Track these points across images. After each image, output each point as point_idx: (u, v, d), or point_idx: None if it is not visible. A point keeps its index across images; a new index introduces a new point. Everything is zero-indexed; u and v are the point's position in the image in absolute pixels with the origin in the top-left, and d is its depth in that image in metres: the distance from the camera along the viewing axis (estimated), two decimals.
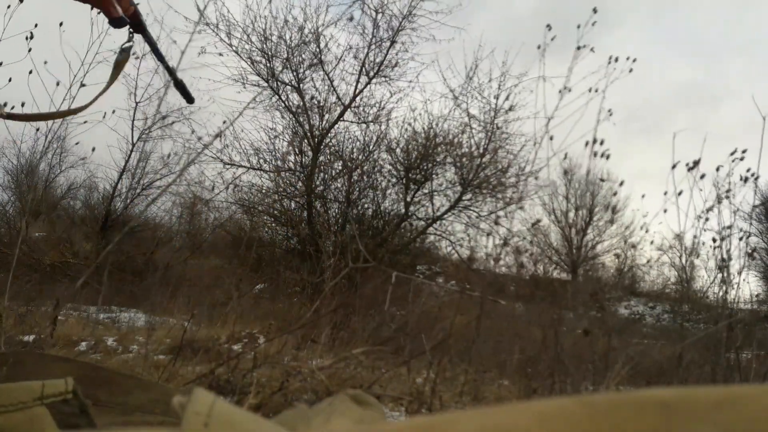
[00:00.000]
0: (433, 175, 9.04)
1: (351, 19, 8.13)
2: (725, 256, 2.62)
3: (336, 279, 3.86)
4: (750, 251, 2.77)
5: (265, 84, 8.66)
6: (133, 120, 8.75)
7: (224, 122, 8.77)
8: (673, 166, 2.44)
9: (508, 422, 0.20)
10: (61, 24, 2.88)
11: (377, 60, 8.49)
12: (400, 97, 8.82)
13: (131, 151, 9.09)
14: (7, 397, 0.46)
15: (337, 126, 8.87)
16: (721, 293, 2.63)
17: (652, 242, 4.35)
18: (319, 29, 8.36)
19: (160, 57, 1.22)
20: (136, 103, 8.58)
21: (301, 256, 8.38)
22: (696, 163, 2.50)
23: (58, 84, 2.47)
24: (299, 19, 8.41)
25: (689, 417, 0.19)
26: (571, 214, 15.02)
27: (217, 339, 3.90)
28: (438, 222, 9.09)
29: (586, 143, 2.38)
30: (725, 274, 2.62)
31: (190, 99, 1.29)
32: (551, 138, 2.52)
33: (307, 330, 3.73)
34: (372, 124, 8.94)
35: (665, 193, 2.47)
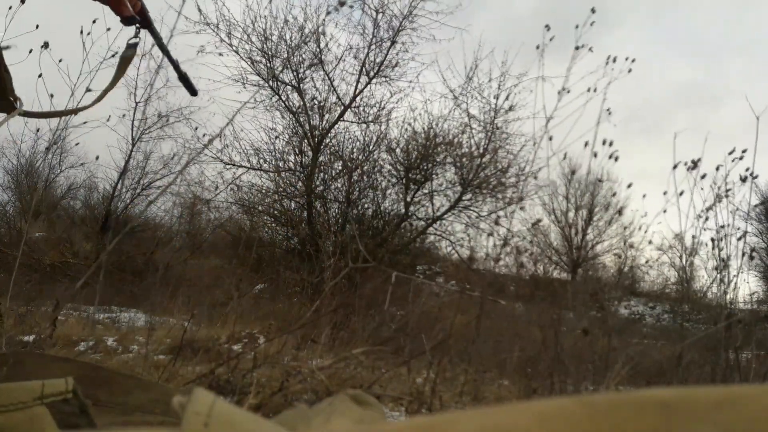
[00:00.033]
0: (433, 175, 9.04)
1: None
2: (724, 256, 2.62)
3: (336, 279, 3.86)
4: (749, 251, 2.77)
5: (265, 84, 8.67)
6: (133, 120, 8.75)
7: (226, 123, 8.77)
8: (674, 167, 2.45)
9: (508, 422, 0.20)
10: (81, 31, 2.90)
11: (377, 60, 8.49)
12: (401, 98, 8.83)
13: (131, 151, 9.09)
14: (7, 397, 0.46)
15: (337, 126, 8.88)
16: (720, 293, 2.63)
17: (650, 242, 4.34)
18: (319, 28, 8.37)
19: (165, 50, 1.26)
20: (136, 103, 8.58)
21: (301, 256, 8.37)
22: (696, 163, 2.51)
23: (52, 96, 2.50)
24: (299, 19, 8.42)
25: (689, 417, 0.19)
26: (571, 214, 15.02)
27: (217, 339, 3.90)
28: (438, 222, 9.09)
29: (586, 143, 2.38)
30: (724, 274, 2.63)
31: (194, 92, 1.32)
32: (551, 138, 2.52)
33: (307, 330, 3.72)
34: (372, 124, 8.95)
35: (665, 193, 2.48)
